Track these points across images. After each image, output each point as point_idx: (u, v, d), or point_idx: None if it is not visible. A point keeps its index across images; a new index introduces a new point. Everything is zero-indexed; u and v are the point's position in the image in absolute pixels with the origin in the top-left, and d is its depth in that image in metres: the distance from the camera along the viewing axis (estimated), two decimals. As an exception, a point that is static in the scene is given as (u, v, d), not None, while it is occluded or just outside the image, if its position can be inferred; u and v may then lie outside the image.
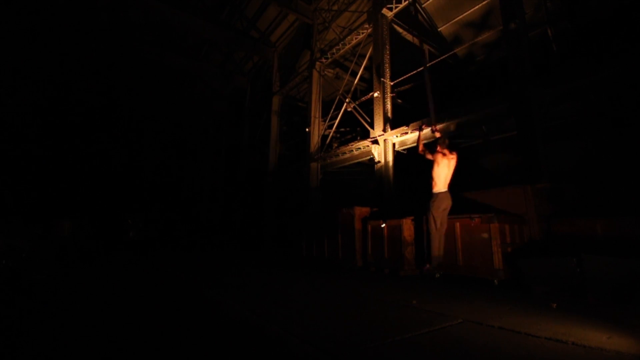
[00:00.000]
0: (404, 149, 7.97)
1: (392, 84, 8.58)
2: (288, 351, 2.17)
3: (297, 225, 8.68)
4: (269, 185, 12.88)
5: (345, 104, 10.04)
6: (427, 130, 6.44)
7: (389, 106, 8.33)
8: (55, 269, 4.65)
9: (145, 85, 16.72)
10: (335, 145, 11.38)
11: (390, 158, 7.95)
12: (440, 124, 7.03)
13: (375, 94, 8.49)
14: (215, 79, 16.77)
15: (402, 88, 10.18)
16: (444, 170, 4.76)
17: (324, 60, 11.15)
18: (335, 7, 11.00)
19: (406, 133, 7.66)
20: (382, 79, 8.40)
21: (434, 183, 4.79)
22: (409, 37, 9.88)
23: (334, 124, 10.50)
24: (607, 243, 4.05)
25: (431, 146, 5.35)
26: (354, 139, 11.01)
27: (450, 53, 8.89)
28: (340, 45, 10.49)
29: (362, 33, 9.81)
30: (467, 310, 3.03)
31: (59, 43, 13.03)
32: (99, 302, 3.67)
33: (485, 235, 4.52)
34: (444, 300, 3.58)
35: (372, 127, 8.52)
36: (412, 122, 7.55)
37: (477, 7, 8.84)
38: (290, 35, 13.27)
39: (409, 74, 8.59)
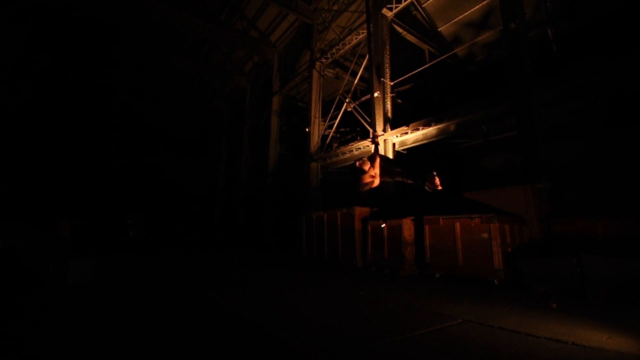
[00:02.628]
0: (404, 149, 7.97)
1: (392, 84, 8.58)
2: (288, 351, 2.18)
3: (297, 225, 8.68)
4: (268, 185, 12.88)
5: (345, 104, 10.05)
6: (429, 130, 6.38)
7: (389, 106, 8.33)
8: (55, 268, 4.65)
9: (146, 85, 16.71)
10: (335, 145, 11.37)
11: (390, 158, 7.95)
12: (441, 123, 7.04)
13: (375, 94, 8.49)
14: (215, 79, 16.77)
15: (402, 88, 10.18)
16: None
17: (324, 60, 11.15)
18: (335, 7, 11.00)
19: (406, 133, 7.66)
20: (382, 79, 8.41)
21: None
22: (409, 37, 9.88)
23: (334, 124, 10.49)
24: (607, 243, 4.05)
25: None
26: (354, 139, 11.01)
27: (450, 53, 8.89)
28: (340, 45, 10.49)
29: (362, 33, 9.81)
30: (467, 310, 3.03)
31: (60, 43, 13.03)
32: (98, 302, 3.67)
33: (485, 235, 4.52)
34: (444, 300, 3.59)
35: (372, 127, 8.52)
36: (412, 122, 7.56)
37: (477, 7, 8.84)
38: (290, 35, 13.27)
39: (409, 74, 8.59)
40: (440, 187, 3.63)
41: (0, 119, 15.26)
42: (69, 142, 17.95)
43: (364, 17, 10.13)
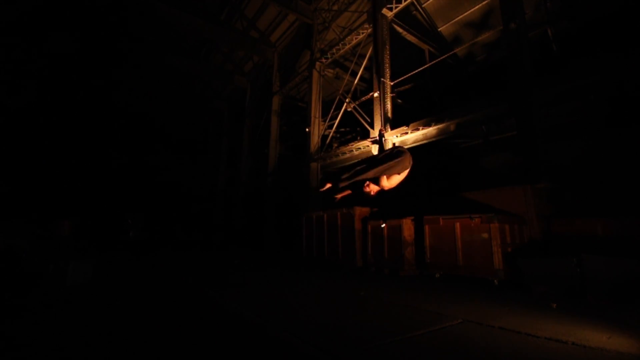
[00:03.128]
0: (404, 149, 7.96)
1: (392, 84, 8.57)
2: (289, 351, 2.18)
3: (297, 225, 8.67)
4: (268, 185, 12.89)
5: (345, 104, 10.04)
6: (429, 130, 6.36)
7: (389, 106, 8.33)
8: (55, 268, 4.65)
9: (146, 85, 16.72)
10: (335, 145, 11.37)
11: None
12: (441, 123, 7.04)
13: (375, 94, 8.49)
14: (215, 79, 16.75)
15: (402, 88, 10.17)
16: None
17: (324, 60, 11.15)
18: (335, 7, 10.99)
19: (406, 133, 7.65)
20: (382, 79, 8.40)
21: None
22: (409, 37, 9.88)
23: (334, 124, 10.49)
24: (607, 243, 4.06)
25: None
26: (354, 139, 11.01)
27: (450, 53, 8.89)
28: (340, 45, 10.48)
29: (362, 33, 9.81)
30: (467, 310, 3.03)
31: (60, 43, 13.02)
32: (98, 302, 3.67)
33: (485, 235, 4.52)
34: (444, 300, 3.59)
35: (372, 127, 8.51)
36: (412, 122, 7.55)
37: (477, 7, 8.83)
38: (290, 35, 13.27)
39: (409, 74, 8.59)
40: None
41: (1, 119, 15.26)
42: (69, 142, 17.95)
43: (364, 17, 10.13)
